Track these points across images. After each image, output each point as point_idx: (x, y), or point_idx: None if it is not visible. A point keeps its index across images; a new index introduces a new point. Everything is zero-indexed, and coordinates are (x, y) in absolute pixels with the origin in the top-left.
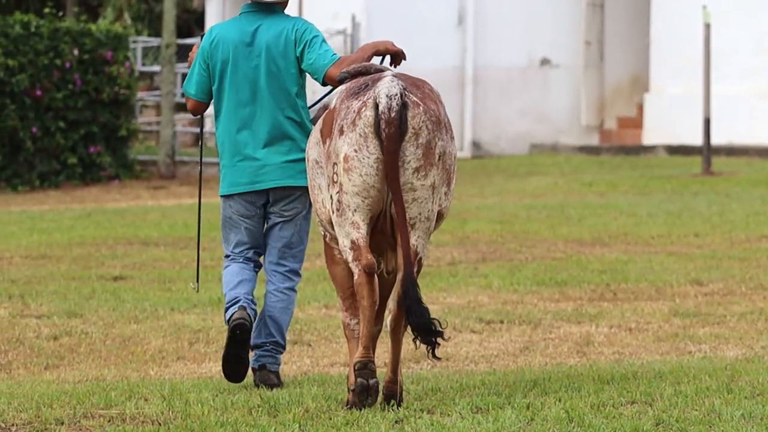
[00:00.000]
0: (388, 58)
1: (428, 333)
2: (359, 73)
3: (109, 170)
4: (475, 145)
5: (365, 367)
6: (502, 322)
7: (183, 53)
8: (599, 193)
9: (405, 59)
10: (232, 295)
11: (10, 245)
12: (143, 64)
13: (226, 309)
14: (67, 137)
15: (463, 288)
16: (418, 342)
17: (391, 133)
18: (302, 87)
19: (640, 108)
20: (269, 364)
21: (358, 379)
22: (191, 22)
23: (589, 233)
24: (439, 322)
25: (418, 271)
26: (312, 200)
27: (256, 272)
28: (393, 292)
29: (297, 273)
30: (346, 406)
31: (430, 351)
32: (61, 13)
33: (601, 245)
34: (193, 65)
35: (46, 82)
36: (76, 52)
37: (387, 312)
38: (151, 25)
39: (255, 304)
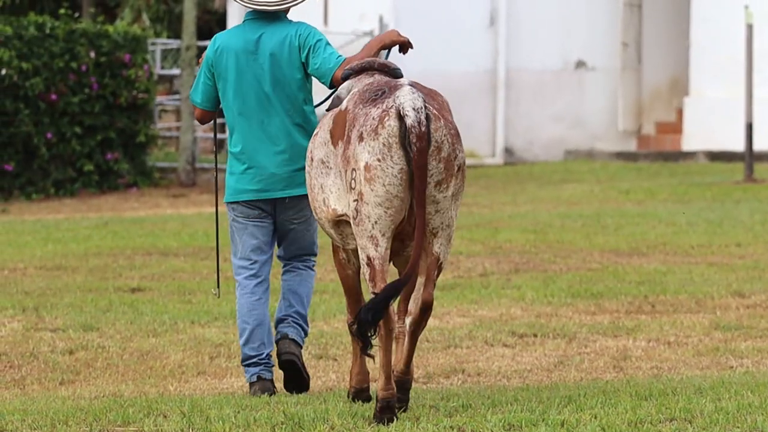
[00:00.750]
0: (395, 49)
1: (366, 326)
2: (362, 68)
3: (127, 178)
4: (508, 151)
5: (387, 407)
6: (535, 335)
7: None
8: (637, 201)
9: (412, 47)
10: (246, 352)
11: (24, 256)
12: (162, 67)
13: (243, 364)
14: (83, 143)
15: (495, 300)
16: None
17: (422, 147)
18: (309, 92)
19: (680, 112)
20: (291, 333)
21: (378, 421)
22: (212, 23)
23: (627, 243)
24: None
25: (438, 274)
26: (310, 199)
27: (267, 292)
28: (414, 295)
29: (310, 267)
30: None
31: (361, 344)
32: (77, 14)
33: (639, 255)
34: (199, 74)
35: (61, 86)
36: (92, 54)
37: (407, 313)
38: (170, 26)
39: (269, 357)
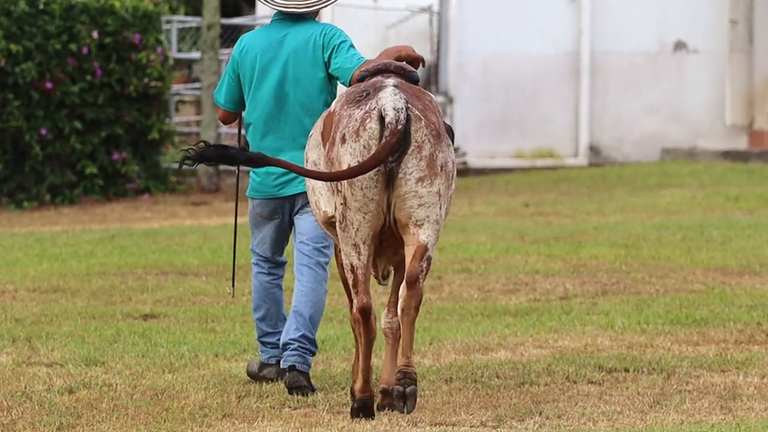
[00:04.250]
0: None
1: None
2: (378, 71)
3: (138, 182)
4: (593, 149)
5: (364, 407)
6: (627, 370)
7: (228, 36)
8: (748, 210)
9: (424, 66)
10: (263, 329)
11: (14, 276)
12: (179, 50)
13: (259, 341)
14: (85, 141)
15: (579, 328)
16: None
17: (391, 142)
18: (331, 94)
19: None
20: (298, 364)
21: (354, 416)
22: None
23: (736, 260)
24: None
25: (427, 267)
26: (309, 200)
27: (281, 279)
28: (404, 278)
29: (323, 267)
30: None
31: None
32: None
33: (751, 275)
34: (224, 74)
35: (57, 73)
36: (95, 34)
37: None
38: (188, 1)
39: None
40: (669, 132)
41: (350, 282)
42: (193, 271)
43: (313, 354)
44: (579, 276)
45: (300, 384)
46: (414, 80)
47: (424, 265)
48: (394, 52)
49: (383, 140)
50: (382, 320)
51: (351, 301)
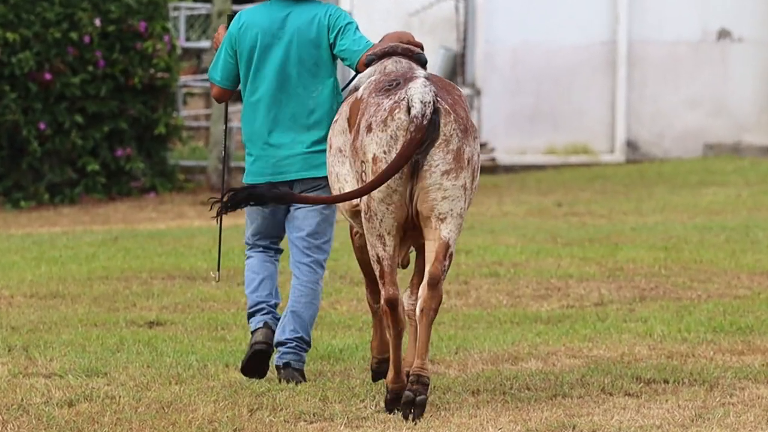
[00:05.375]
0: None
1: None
2: (385, 54)
3: (143, 180)
4: (631, 145)
5: (396, 398)
6: (666, 381)
7: None
8: None
9: (422, 53)
10: (254, 299)
11: (10, 280)
12: (188, 39)
13: (249, 315)
14: (86, 136)
15: (615, 336)
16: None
17: (416, 138)
18: (334, 74)
19: None
20: (294, 362)
21: (387, 409)
22: None
23: None
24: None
25: (449, 265)
26: (331, 187)
27: (277, 261)
28: (424, 276)
29: (321, 265)
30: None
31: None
32: None
33: None
34: (220, 50)
35: (57, 63)
36: (97, 22)
37: (417, 297)
38: None
39: (277, 307)
40: (712, 126)
41: (377, 273)
42: (202, 276)
43: (307, 351)
44: (615, 281)
45: (295, 380)
46: (422, 62)
47: (446, 263)
48: (396, 38)
49: (408, 136)
50: (405, 301)
51: (368, 284)
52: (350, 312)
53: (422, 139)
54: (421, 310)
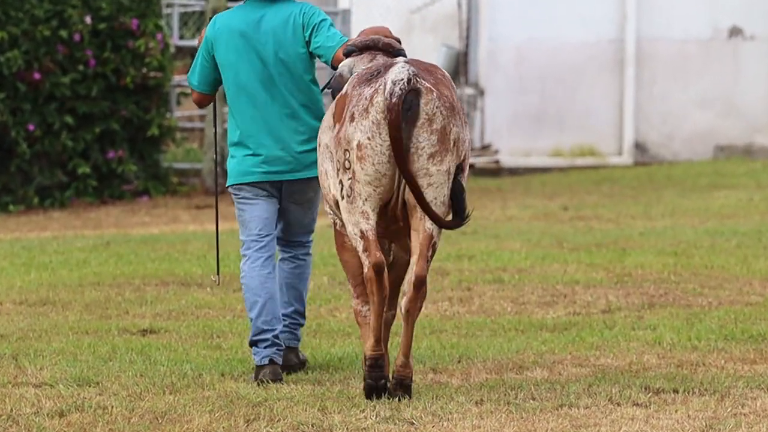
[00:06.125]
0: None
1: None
2: (366, 46)
3: (135, 183)
4: (639, 147)
5: (375, 365)
6: (676, 391)
7: None
8: None
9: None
10: (258, 327)
11: None
12: (182, 37)
13: (252, 342)
14: (77, 138)
15: (623, 344)
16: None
17: (392, 119)
18: (313, 73)
19: None
20: (288, 341)
21: (368, 380)
22: None
23: None
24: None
25: (432, 256)
26: (321, 184)
27: (274, 268)
28: (407, 274)
29: (309, 240)
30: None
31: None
32: None
33: None
34: (197, 54)
35: (46, 62)
36: (88, 19)
37: (401, 295)
38: None
39: (281, 340)
40: (723, 127)
41: (360, 247)
42: (197, 282)
43: (302, 325)
44: (623, 287)
45: (290, 363)
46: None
47: (430, 255)
48: (372, 33)
49: (386, 119)
50: (400, 303)
51: (354, 287)
52: (350, 320)
53: (398, 118)
54: (407, 311)
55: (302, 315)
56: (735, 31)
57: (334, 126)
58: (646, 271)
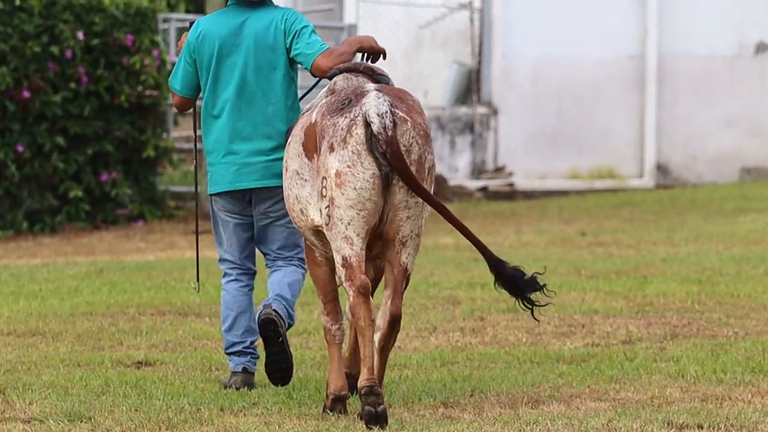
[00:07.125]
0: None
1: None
2: (348, 69)
3: (130, 207)
4: (661, 169)
5: (372, 393)
6: (700, 426)
7: None
8: None
9: (384, 58)
10: (228, 339)
11: None
12: (178, 53)
13: (227, 353)
14: (68, 159)
15: (645, 377)
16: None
17: (394, 152)
18: (293, 80)
19: None
20: (274, 305)
21: (366, 407)
22: None
23: None
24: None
25: (406, 287)
26: (288, 209)
27: (251, 288)
28: (381, 308)
29: (301, 265)
30: (323, 411)
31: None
32: None
33: None
34: (180, 59)
35: (37, 79)
36: (80, 35)
37: (375, 330)
38: None
39: (253, 344)
40: (749, 148)
41: (344, 275)
42: (194, 311)
43: (291, 319)
44: (644, 317)
45: (271, 311)
46: (384, 83)
47: (403, 289)
48: (356, 42)
49: (387, 156)
50: (375, 338)
51: (324, 303)
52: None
53: (399, 150)
54: (382, 347)
55: (289, 303)
56: (762, 47)
57: (309, 157)
58: (668, 299)
